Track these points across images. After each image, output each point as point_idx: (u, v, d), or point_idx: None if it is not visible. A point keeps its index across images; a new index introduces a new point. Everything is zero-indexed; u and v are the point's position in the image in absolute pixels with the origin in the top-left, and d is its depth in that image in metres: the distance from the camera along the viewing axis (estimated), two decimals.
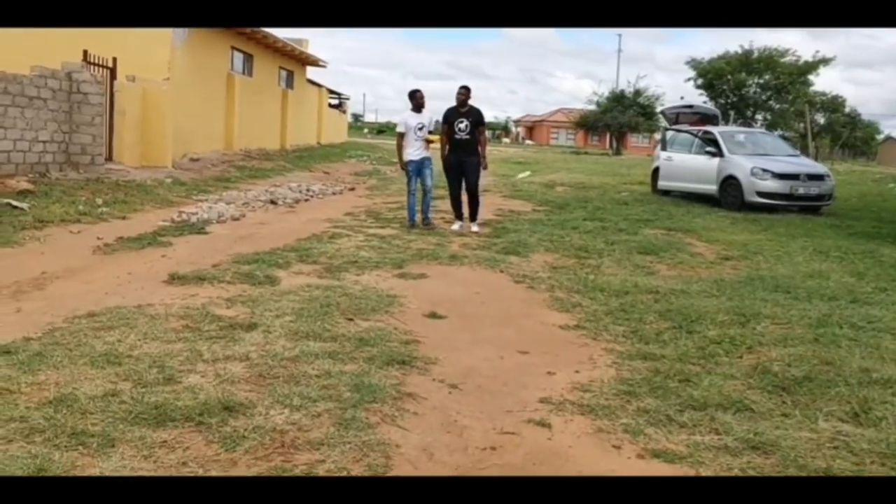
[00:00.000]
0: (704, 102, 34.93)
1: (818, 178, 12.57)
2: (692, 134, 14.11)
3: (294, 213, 10.93)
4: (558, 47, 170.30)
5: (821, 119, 49.33)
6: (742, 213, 12.15)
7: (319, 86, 30.16)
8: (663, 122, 15.76)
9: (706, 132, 13.95)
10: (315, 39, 39.15)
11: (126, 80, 14.02)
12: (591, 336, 4.90)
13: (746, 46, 43.02)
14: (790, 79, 43.00)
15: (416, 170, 9.36)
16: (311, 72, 28.86)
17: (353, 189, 15.12)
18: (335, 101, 36.28)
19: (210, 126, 17.86)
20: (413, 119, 9.33)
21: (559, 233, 9.49)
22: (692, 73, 44.35)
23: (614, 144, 47.27)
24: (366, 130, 73.81)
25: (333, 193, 14.20)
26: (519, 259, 7.60)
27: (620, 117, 44.84)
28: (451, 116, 9.33)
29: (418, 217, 9.52)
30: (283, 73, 24.51)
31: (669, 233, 9.78)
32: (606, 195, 14.96)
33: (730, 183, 12.75)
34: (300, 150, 24.41)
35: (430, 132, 9.50)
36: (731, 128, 18.34)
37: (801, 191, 12.28)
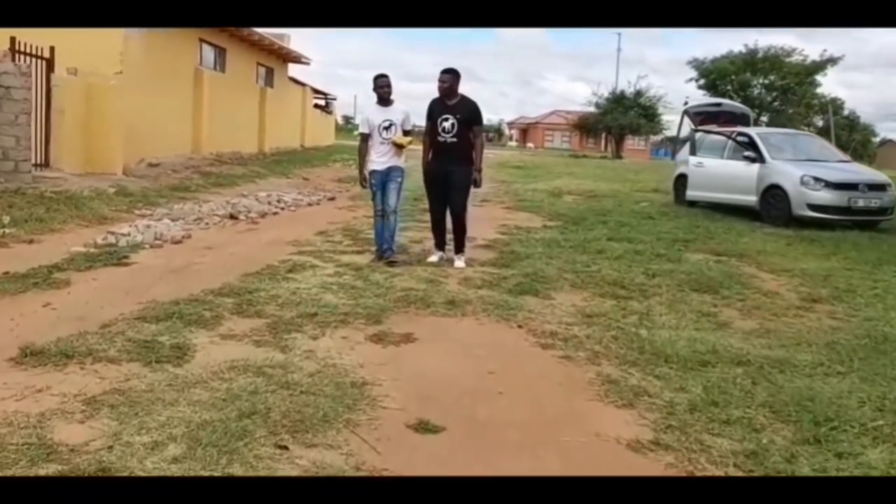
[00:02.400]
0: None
1: (879, 187, 10.67)
2: (725, 136, 12.19)
3: (255, 231, 8.94)
4: (550, 49, 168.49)
5: (819, 122, 47.82)
6: (791, 229, 10.25)
7: (303, 84, 28.12)
8: (686, 123, 13.78)
9: (741, 134, 12.04)
10: (303, 40, 37.28)
11: (67, 73, 12.01)
12: (685, 463, 2.97)
13: (751, 46, 41.37)
14: (797, 79, 41.33)
15: (379, 183, 6.93)
16: (296, 70, 26.90)
17: (332, 199, 13.13)
18: (321, 102, 34.23)
19: (174, 127, 15.84)
20: (378, 115, 6.92)
21: (582, 259, 7.55)
22: (694, 74, 42.73)
23: (613, 147, 45.20)
24: (356, 133, 71.72)
25: (309, 204, 12.22)
26: (539, 302, 5.66)
27: (621, 119, 42.78)
28: (434, 111, 6.95)
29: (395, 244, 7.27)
30: (262, 70, 22.50)
31: (719, 259, 7.84)
32: (624, 206, 13.03)
33: (774, 193, 10.84)
34: (280, 153, 22.40)
35: (405, 132, 7.01)
36: (770, 129, 16.40)
37: (861, 203, 10.36)
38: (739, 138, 11.83)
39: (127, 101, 12.96)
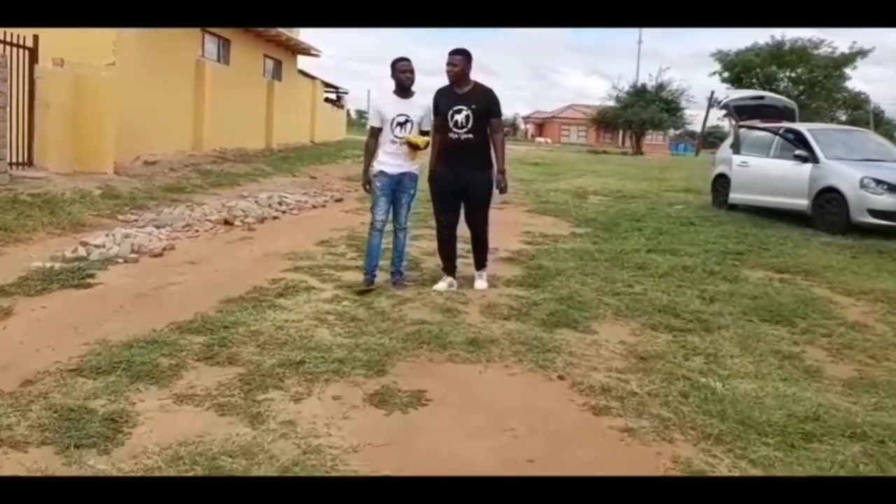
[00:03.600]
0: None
1: None
2: (772, 132, 11.04)
3: (249, 240, 7.95)
4: (566, 43, 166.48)
5: (843, 117, 46.19)
6: (849, 237, 9.12)
7: (313, 78, 27.09)
8: (725, 119, 12.61)
9: (789, 130, 10.90)
10: (313, 32, 36.15)
11: (53, 64, 11.07)
12: None
13: (777, 38, 39.82)
14: (825, 72, 39.75)
15: (387, 188, 5.61)
16: (306, 63, 25.91)
17: (340, 200, 12.11)
18: (332, 96, 33.20)
19: (173, 122, 14.90)
20: (392, 107, 5.58)
21: (622, 276, 6.50)
22: (717, 67, 41.20)
23: (633, 142, 43.75)
24: (369, 127, 70.59)
25: (314, 206, 11.21)
26: (580, 339, 4.62)
27: (642, 113, 41.30)
28: (442, 102, 5.57)
29: (381, 273, 5.87)
30: (269, 63, 21.51)
31: (782, 277, 6.76)
32: (657, 209, 11.92)
33: (829, 197, 9.69)
34: (288, 149, 21.41)
35: (422, 132, 5.65)
36: (822, 125, 15.15)
37: None
38: (788, 135, 10.68)
39: (120, 94, 12.01)
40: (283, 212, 10.42)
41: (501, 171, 5.67)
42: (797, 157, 10.20)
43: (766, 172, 10.69)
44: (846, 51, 39.01)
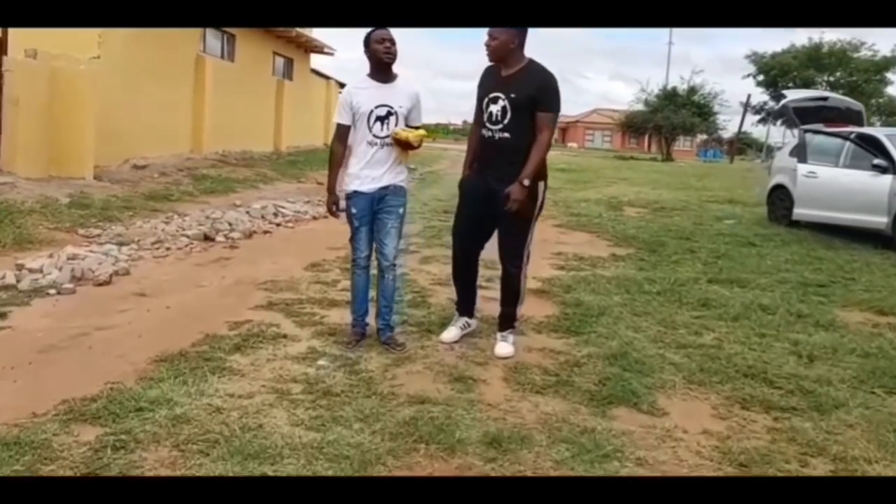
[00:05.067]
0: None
1: None
2: (842, 137, 9.54)
3: (226, 262, 6.63)
4: (591, 46, 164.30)
5: (877, 123, 44.21)
6: None
7: (328, 78, 25.83)
8: (787, 125, 11.11)
9: (863, 136, 9.39)
10: (328, 30, 34.97)
11: (25, 56, 9.88)
12: None
13: (815, 39, 38.06)
14: (864, 76, 37.89)
15: (365, 213, 4.09)
16: (320, 62, 24.67)
17: (343, 210, 10.76)
18: None
19: (169, 122, 13.67)
20: (368, 94, 4.01)
21: (684, 318, 5.12)
22: (752, 69, 39.53)
23: (663, 148, 41.90)
24: (334, 124, 69.43)
25: (314, 217, 9.89)
26: (645, 427, 3.24)
27: (673, 117, 39.48)
28: (481, 86, 4.16)
29: (372, 318, 4.26)
30: (280, 61, 20.26)
31: (889, 321, 5.31)
32: (704, 223, 10.45)
33: None
34: (298, 152, 20.15)
35: (412, 127, 4.07)
36: None
37: None
38: (862, 141, 9.18)
39: (105, 90, 10.80)
40: (278, 224, 9.12)
41: (520, 182, 3.88)
42: (875, 168, 8.71)
43: (837, 185, 9.17)
44: (888, 53, 37.16)
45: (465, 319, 4.43)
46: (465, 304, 4.46)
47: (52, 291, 5.11)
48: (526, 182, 3.90)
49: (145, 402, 3.12)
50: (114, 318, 4.55)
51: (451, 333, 4.30)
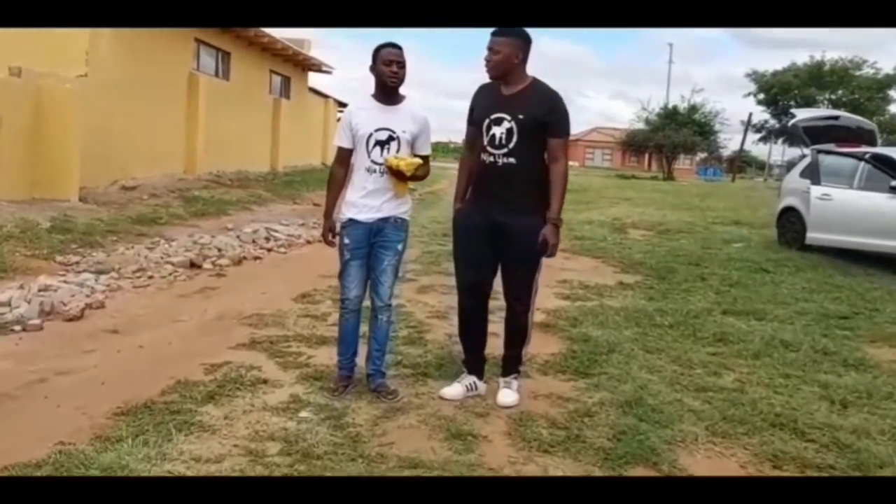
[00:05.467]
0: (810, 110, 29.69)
1: None
2: (856, 158, 9.17)
3: (212, 291, 6.25)
4: (590, 66, 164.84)
5: (880, 142, 44.01)
6: None
7: (326, 96, 25.59)
8: (802, 144, 10.78)
9: (878, 156, 9.04)
10: (326, 48, 34.86)
11: (10, 74, 9.55)
12: None
13: (817, 57, 37.92)
14: (867, 94, 37.71)
15: (360, 246, 3.71)
16: (319, 81, 24.38)
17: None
18: None
19: (160, 142, 13.33)
20: (369, 118, 3.66)
21: (701, 356, 4.73)
22: (752, 88, 39.39)
23: (665, 167, 41.60)
24: (335, 147, 68.95)
25: (308, 241, 9.50)
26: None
27: (674, 136, 39.22)
28: (478, 106, 3.72)
29: (361, 358, 3.85)
30: (276, 79, 19.98)
31: None
32: (713, 247, 10.06)
33: None
34: (296, 172, 19.82)
35: (416, 156, 3.68)
36: None
37: None
38: (878, 161, 8.82)
39: (93, 109, 10.49)
40: (269, 249, 8.73)
41: (553, 222, 3.57)
42: (893, 190, 8.34)
43: (853, 208, 8.79)
44: (890, 71, 37.00)
45: (472, 379, 3.86)
46: (474, 362, 3.91)
47: (17, 328, 4.71)
48: (559, 219, 3.57)
49: (96, 470, 2.71)
50: (79, 359, 4.15)
51: (454, 391, 3.78)
